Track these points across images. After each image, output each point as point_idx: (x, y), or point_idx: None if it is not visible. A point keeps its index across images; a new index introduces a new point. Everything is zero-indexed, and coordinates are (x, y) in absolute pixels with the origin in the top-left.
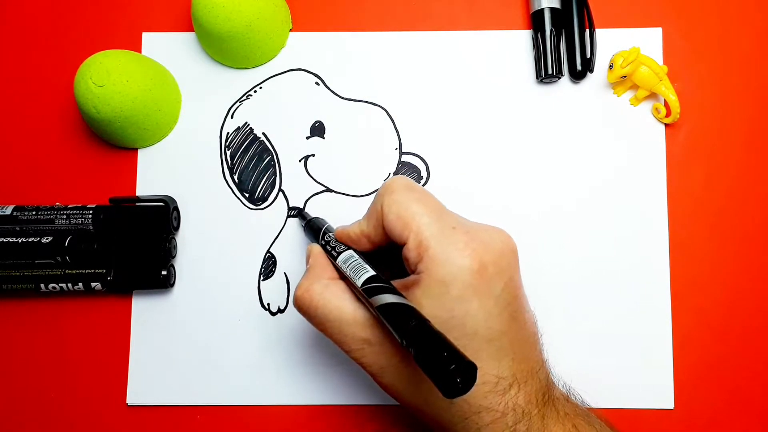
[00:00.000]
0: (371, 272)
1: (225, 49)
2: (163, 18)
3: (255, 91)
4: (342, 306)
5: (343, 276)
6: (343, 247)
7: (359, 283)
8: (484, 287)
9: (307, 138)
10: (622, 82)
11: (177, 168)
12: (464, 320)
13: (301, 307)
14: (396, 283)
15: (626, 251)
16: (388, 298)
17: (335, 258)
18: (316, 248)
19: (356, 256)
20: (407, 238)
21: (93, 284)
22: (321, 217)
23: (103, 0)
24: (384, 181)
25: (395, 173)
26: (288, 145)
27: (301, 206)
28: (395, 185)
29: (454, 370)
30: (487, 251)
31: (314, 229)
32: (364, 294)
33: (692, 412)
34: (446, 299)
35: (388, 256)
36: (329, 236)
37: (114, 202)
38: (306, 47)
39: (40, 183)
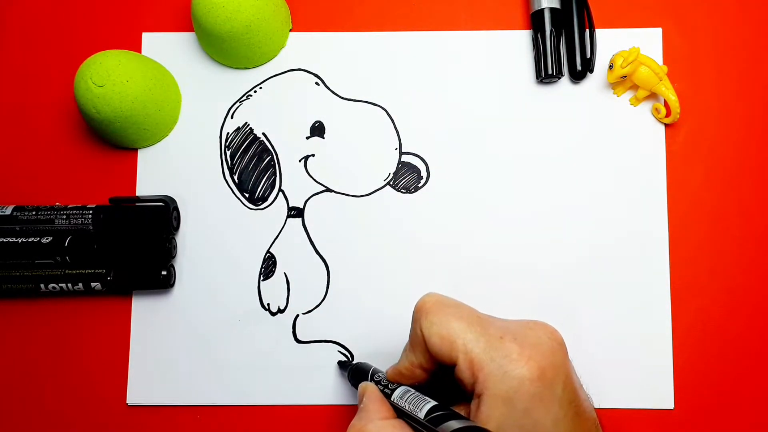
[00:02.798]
0: (432, 402)
1: (225, 50)
2: (163, 18)
3: (255, 92)
4: None
5: (401, 414)
6: (395, 384)
7: (422, 414)
8: (547, 393)
9: (307, 138)
10: (622, 82)
11: (177, 168)
12: (534, 431)
13: None
14: (458, 409)
15: (626, 251)
16: (455, 424)
17: (390, 396)
18: (370, 387)
19: (412, 390)
20: (456, 359)
21: (93, 284)
22: (365, 362)
23: (103, 0)
24: (415, 304)
25: (395, 173)
26: (288, 145)
27: (302, 207)
28: (428, 305)
29: None
30: (542, 355)
31: (361, 372)
32: (429, 425)
33: (692, 412)
34: (513, 414)
35: (442, 383)
36: (379, 376)
37: (114, 202)
38: (306, 47)
39: (40, 183)
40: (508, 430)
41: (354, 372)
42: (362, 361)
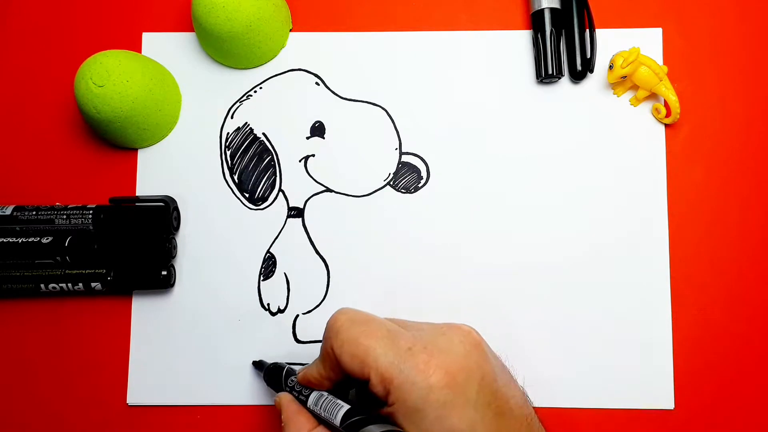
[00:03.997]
0: (346, 406)
1: (225, 50)
2: (163, 18)
3: (255, 91)
4: None
5: (317, 417)
6: (306, 390)
7: (338, 421)
8: (459, 398)
9: (307, 138)
10: (622, 82)
11: (177, 168)
12: None
13: None
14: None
15: (626, 251)
16: (375, 429)
17: (305, 402)
18: (285, 398)
19: (325, 395)
20: (368, 375)
21: (93, 284)
22: (278, 362)
23: (103, 0)
24: (327, 321)
25: (395, 173)
26: (288, 145)
27: (302, 207)
28: (339, 323)
29: None
30: (452, 360)
31: (275, 375)
32: (346, 431)
33: (692, 412)
34: (425, 424)
35: (354, 383)
36: (292, 380)
37: (114, 202)
38: (306, 47)
39: (40, 183)
40: None
41: (269, 372)
42: (277, 361)
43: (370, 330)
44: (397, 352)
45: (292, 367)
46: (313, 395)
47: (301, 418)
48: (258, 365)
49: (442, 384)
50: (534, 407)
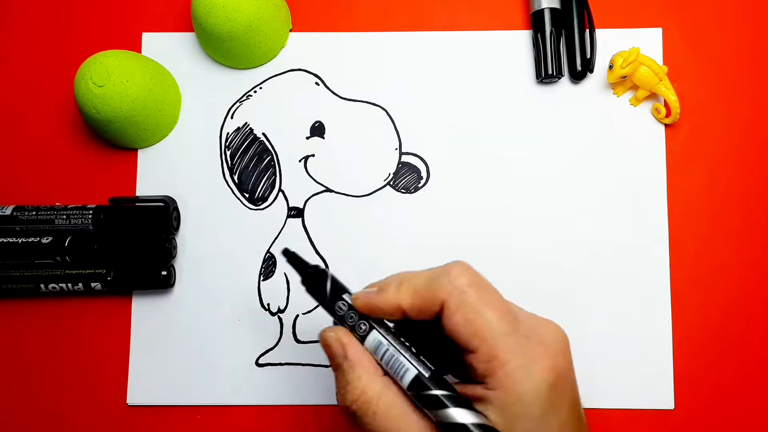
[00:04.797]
0: (415, 369)
1: (225, 50)
2: (163, 18)
3: (255, 92)
4: (406, 424)
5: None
6: (364, 325)
7: (405, 384)
8: (561, 399)
9: (307, 138)
10: (622, 82)
11: (177, 168)
12: None
13: (355, 413)
14: (459, 389)
15: (626, 251)
16: (464, 417)
17: (362, 336)
18: (345, 335)
19: (386, 343)
20: (477, 347)
21: (93, 284)
22: (323, 267)
23: (103, 0)
24: (448, 265)
25: (395, 173)
26: (288, 145)
27: (302, 207)
28: (462, 279)
29: None
30: (557, 359)
31: (317, 282)
32: (424, 402)
33: (692, 412)
34: (527, 419)
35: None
36: (343, 306)
37: (114, 202)
38: (306, 47)
39: (40, 183)
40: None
41: (312, 278)
42: (319, 266)
43: (494, 302)
44: (517, 337)
45: (336, 278)
46: (372, 339)
47: (368, 363)
48: (292, 259)
49: (552, 383)
50: None
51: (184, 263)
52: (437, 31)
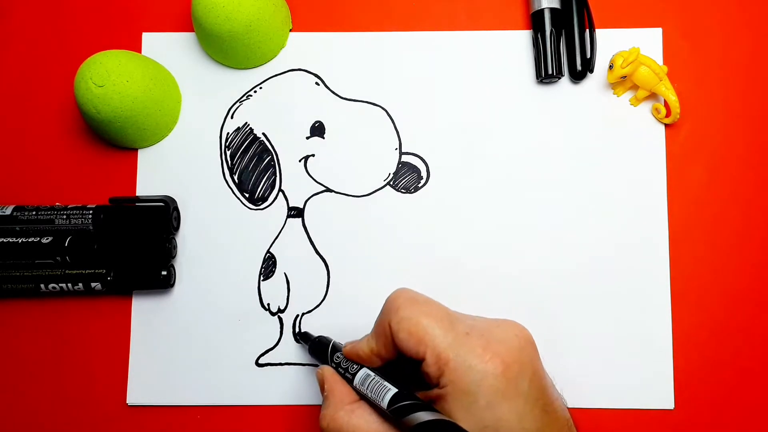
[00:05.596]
0: (394, 389)
1: (225, 49)
2: (163, 18)
3: (255, 91)
4: (373, 431)
5: (363, 396)
6: (355, 366)
7: (385, 404)
8: (512, 389)
9: (307, 138)
10: (622, 82)
11: (177, 168)
12: (498, 426)
13: None
14: (421, 395)
15: (626, 251)
16: (424, 416)
17: (351, 380)
18: (328, 371)
19: (372, 375)
20: (424, 354)
21: (93, 284)
22: (325, 336)
23: (103, 0)
24: (386, 298)
25: (395, 173)
26: (288, 145)
27: (302, 207)
28: (399, 301)
29: None
30: (507, 350)
31: (321, 349)
32: (394, 414)
33: (692, 412)
34: (476, 409)
35: (400, 363)
36: (338, 356)
37: (114, 202)
38: (306, 47)
39: (40, 183)
40: (471, 423)
41: (315, 345)
42: (323, 335)
43: (429, 310)
44: (455, 335)
45: (339, 342)
46: (361, 374)
47: (344, 390)
48: (303, 337)
49: (498, 371)
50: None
51: (184, 263)
52: (437, 31)
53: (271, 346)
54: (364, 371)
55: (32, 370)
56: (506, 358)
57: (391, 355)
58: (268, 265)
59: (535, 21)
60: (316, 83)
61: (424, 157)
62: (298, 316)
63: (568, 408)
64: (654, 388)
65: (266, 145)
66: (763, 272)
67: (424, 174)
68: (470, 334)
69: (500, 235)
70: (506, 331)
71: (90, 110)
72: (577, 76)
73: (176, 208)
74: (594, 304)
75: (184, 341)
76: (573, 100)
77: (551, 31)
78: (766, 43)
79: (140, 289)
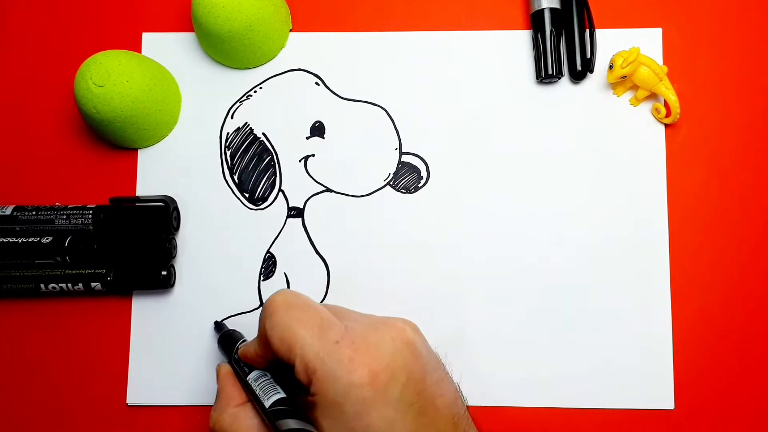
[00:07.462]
0: (280, 394)
1: (225, 50)
2: (163, 18)
3: (255, 92)
4: None
5: (253, 395)
6: (250, 365)
7: (267, 404)
8: (380, 397)
9: (307, 138)
10: (622, 82)
11: (177, 168)
12: None
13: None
14: (302, 400)
15: (626, 251)
16: (291, 423)
17: (246, 374)
18: (223, 369)
19: (267, 376)
20: (294, 361)
21: (93, 284)
22: (237, 330)
23: (103, 0)
24: (265, 301)
25: (395, 173)
26: (288, 145)
27: (302, 207)
28: (274, 306)
29: None
30: (376, 358)
31: (227, 344)
32: (269, 417)
33: (692, 412)
34: (344, 419)
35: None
36: (238, 355)
37: (114, 202)
38: (306, 47)
39: (40, 183)
40: None
41: (224, 339)
42: (236, 330)
43: (303, 317)
44: (324, 343)
45: (246, 340)
46: (256, 372)
47: (233, 391)
48: (217, 327)
49: (364, 382)
50: (482, 406)
51: (184, 263)
52: (437, 31)
53: None
54: (255, 373)
55: (32, 370)
56: (375, 367)
57: (271, 357)
58: (268, 265)
59: (535, 21)
60: (316, 83)
61: (424, 157)
62: None
63: (467, 405)
64: (654, 388)
65: (266, 145)
66: (763, 272)
67: (424, 174)
68: (340, 342)
69: (500, 235)
70: (382, 334)
71: (90, 110)
72: (577, 76)
73: (176, 208)
74: (594, 304)
75: (184, 341)
76: (573, 100)
77: (551, 31)
78: (765, 43)
79: (140, 289)
